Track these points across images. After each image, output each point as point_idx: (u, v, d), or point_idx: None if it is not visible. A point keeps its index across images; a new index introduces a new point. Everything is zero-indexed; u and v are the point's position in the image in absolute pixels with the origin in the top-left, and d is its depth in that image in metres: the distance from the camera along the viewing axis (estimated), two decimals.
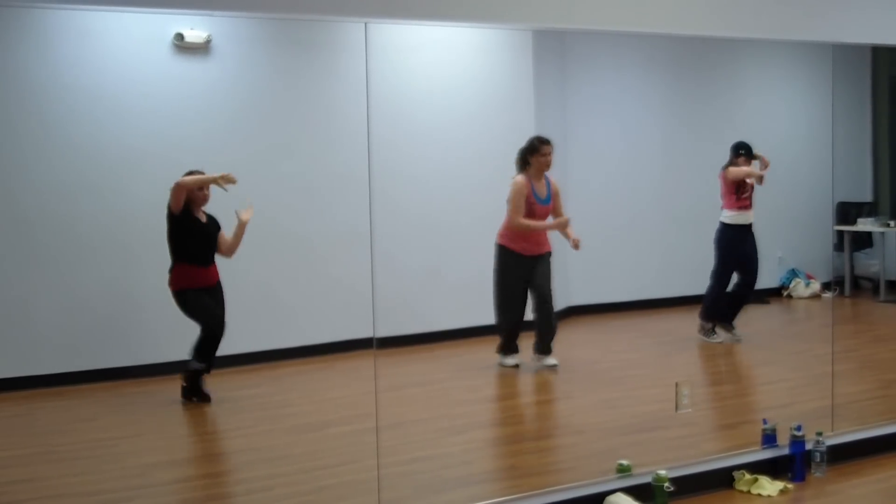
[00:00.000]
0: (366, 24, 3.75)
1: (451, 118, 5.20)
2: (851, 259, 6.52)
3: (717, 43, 4.94)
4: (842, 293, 6.50)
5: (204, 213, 4.38)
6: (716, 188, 5.76)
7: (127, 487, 3.95)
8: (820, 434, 4.49)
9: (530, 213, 5.20)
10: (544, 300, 5.24)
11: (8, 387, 4.10)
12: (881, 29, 4.80)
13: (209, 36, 4.36)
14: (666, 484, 4.07)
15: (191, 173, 4.26)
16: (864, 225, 6.43)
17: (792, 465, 4.41)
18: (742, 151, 5.66)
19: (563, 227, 5.21)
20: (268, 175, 4.60)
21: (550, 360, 5.26)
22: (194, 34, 4.32)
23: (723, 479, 4.32)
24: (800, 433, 4.43)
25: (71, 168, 4.21)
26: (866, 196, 6.50)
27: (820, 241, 6.01)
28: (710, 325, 5.81)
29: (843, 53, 4.89)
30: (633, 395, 5.18)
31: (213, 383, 4.39)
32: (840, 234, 6.33)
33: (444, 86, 5.20)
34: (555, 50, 5.48)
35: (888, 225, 6.39)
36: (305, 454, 4.33)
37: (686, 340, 5.88)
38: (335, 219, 4.70)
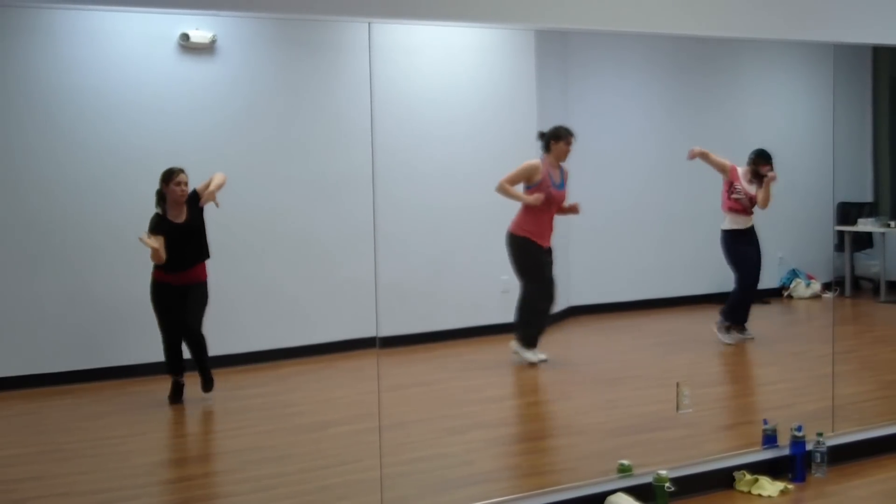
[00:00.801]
0: (369, 24, 3.76)
1: (455, 118, 5.19)
2: (852, 259, 6.52)
3: (718, 44, 4.95)
4: (842, 294, 6.51)
5: (186, 208, 4.24)
6: (716, 188, 5.77)
7: (133, 486, 3.97)
8: (820, 435, 4.51)
9: (547, 197, 5.20)
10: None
11: (15, 385, 4.11)
12: (882, 29, 4.81)
13: (214, 36, 4.37)
14: (667, 484, 4.08)
15: (169, 171, 4.19)
16: (865, 225, 6.43)
17: (792, 465, 4.42)
18: (753, 157, 5.68)
19: (534, 203, 5.16)
20: (272, 174, 4.60)
21: (540, 355, 5.28)
22: (200, 34, 4.33)
23: (723, 480, 4.33)
24: (800, 434, 4.44)
25: (77, 167, 4.22)
26: (867, 196, 6.51)
27: (820, 241, 6.01)
28: (727, 324, 5.84)
29: (843, 54, 4.90)
30: (634, 395, 5.19)
31: (218, 382, 4.39)
32: (840, 234, 6.33)
33: (448, 86, 5.20)
34: (557, 51, 5.49)
35: (888, 225, 6.39)
36: (308, 453, 4.35)
37: (687, 341, 5.89)
38: (339, 218, 4.70)
